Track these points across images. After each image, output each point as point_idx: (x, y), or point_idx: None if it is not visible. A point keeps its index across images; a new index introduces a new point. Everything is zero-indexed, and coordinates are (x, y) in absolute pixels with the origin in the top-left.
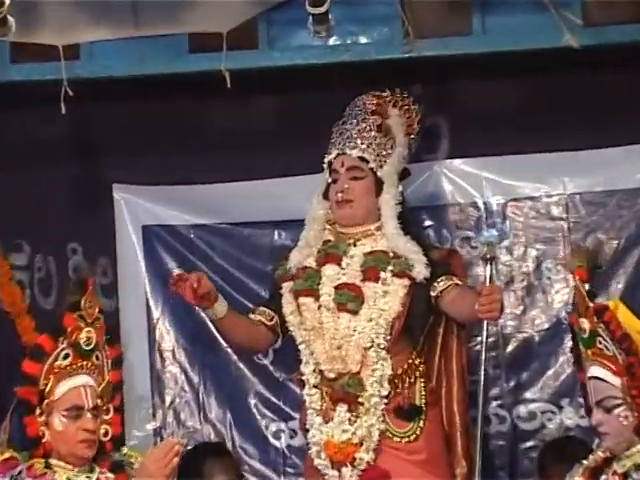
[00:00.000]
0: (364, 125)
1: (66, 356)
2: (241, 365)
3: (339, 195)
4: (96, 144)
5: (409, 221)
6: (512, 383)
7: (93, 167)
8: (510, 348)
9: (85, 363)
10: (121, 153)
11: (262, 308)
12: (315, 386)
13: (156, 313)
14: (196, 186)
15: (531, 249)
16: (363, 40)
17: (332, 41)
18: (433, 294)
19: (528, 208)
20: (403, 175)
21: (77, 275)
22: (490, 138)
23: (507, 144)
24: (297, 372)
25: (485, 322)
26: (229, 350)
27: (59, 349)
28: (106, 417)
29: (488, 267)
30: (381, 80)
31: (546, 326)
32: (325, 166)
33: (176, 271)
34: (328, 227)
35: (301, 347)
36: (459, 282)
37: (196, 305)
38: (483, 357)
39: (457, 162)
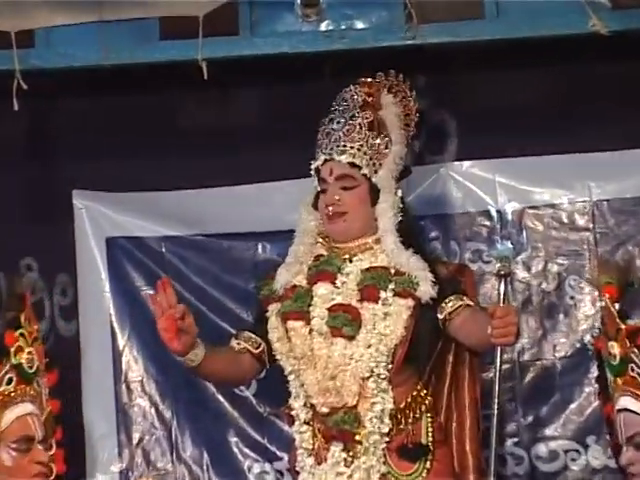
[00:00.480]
0: (353, 123)
1: (10, 380)
2: (219, 398)
3: (329, 209)
4: (54, 145)
5: (412, 232)
6: (530, 418)
7: (50, 171)
8: (528, 378)
9: (28, 389)
10: (82, 155)
11: (247, 333)
12: (306, 422)
13: (122, 339)
14: (168, 192)
15: (552, 264)
16: (359, 25)
17: (324, 26)
18: (441, 316)
19: (548, 217)
20: (402, 175)
21: (11, 289)
22: (504, 137)
23: (524, 144)
24: (284, 406)
25: (499, 348)
26: (206, 381)
27: (2, 372)
28: (49, 453)
29: (502, 285)
30: (379, 70)
31: (569, 352)
32: (313, 172)
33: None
34: (320, 240)
35: (290, 378)
36: (470, 302)
37: (167, 341)
38: (497, 388)
39: (467, 165)
